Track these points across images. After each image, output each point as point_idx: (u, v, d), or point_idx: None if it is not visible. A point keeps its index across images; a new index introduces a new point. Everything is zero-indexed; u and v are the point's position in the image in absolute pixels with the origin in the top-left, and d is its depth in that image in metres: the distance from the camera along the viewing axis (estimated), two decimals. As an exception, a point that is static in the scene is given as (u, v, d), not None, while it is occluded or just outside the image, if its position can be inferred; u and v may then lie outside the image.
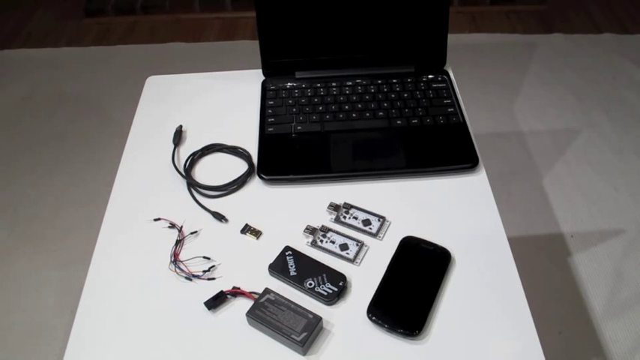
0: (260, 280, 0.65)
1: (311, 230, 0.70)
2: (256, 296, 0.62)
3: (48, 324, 1.35)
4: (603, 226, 1.52)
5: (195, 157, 0.81)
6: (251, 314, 0.60)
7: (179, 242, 0.69)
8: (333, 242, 0.68)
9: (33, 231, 1.58)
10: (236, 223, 0.72)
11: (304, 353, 0.58)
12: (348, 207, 0.72)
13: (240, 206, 0.74)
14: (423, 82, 0.89)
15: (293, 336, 0.57)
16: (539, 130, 1.83)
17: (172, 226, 0.71)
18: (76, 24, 2.42)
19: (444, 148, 0.79)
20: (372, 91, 0.87)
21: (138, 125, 0.87)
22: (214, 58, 2.17)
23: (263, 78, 0.91)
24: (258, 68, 0.92)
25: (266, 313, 0.60)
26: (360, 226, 0.70)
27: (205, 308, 0.62)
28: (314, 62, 0.90)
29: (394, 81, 0.88)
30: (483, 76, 2.04)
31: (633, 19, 2.32)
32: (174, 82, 0.95)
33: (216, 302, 0.62)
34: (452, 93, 0.87)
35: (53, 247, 1.53)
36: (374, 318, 0.60)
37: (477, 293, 0.63)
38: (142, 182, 0.78)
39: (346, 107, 0.85)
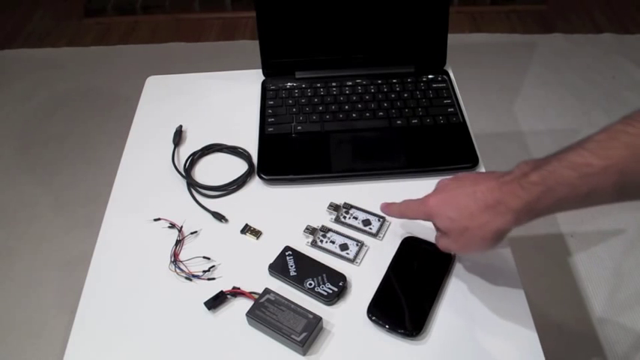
0: (260, 280, 0.65)
1: (311, 230, 0.70)
2: (256, 296, 0.62)
3: (48, 324, 1.35)
4: (603, 226, 1.52)
5: (195, 157, 0.81)
6: (251, 314, 0.60)
7: (179, 242, 0.69)
8: (333, 242, 0.68)
9: (33, 231, 1.57)
10: (236, 223, 0.72)
11: (304, 353, 0.58)
12: (348, 207, 0.72)
13: (240, 206, 0.74)
14: (423, 82, 0.88)
15: (293, 336, 0.57)
16: (539, 130, 1.82)
17: (172, 226, 0.71)
18: (76, 24, 2.42)
19: (444, 148, 0.79)
20: (372, 91, 0.87)
21: (138, 125, 0.87)
22: (214, 58, 2.17)
23: (263, 78, 0.91)
24: (258, 68, 0.92)
25: (266, 313, 0.60)
26: (360, 226, 0.70)
27: (205, 308, 0.62)
28: (314, 62, 0.90)
29: (394, 81, 0.88)
30: (483, 76, 2.04)
31: (633, 19, 2.32)
32: (174, 82, 0.95)
33: (216, 302, 0.62)
34: (452, 93, 0.87)
35: (53, 247, 1.53)
36: (374, 318, 0.60)
37: (477, 293, 0.63)
38: (142, 182, 0.78)
39: (346, 107, 0.85)
